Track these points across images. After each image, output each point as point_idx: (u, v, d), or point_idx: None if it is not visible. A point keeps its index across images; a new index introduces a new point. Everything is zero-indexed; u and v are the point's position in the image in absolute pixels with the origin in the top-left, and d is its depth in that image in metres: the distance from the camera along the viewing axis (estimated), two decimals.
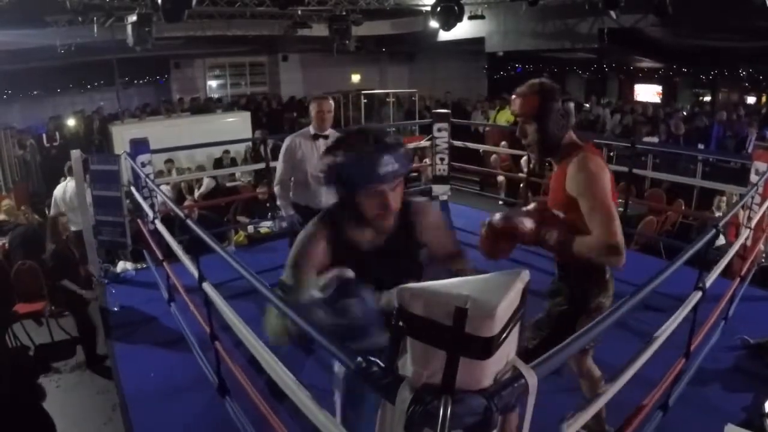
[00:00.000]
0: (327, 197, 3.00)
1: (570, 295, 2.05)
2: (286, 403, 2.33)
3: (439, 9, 8.60)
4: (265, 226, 5.92)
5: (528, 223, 1.88)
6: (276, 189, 3.67)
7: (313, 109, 3.59)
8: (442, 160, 6.55)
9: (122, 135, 8.41)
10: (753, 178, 4.25)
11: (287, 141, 3.63)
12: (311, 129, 3.62)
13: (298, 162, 3.56)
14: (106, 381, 4.00)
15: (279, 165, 3.63)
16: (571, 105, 1.97)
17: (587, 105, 12.19)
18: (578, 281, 2.03)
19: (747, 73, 12.14)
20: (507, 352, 1.15)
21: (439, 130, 6.50)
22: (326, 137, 3.54)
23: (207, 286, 2.34)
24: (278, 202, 3.69)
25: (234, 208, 6.62)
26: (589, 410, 1.57)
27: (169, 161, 8.31)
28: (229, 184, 8.10)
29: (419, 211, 1.74)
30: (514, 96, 2.00)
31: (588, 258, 1.87)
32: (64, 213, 5.08)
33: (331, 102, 3.63)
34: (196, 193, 7.46)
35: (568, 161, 1.93)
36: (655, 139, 8.58)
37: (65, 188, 6.14)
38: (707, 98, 13.01)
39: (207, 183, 7.58)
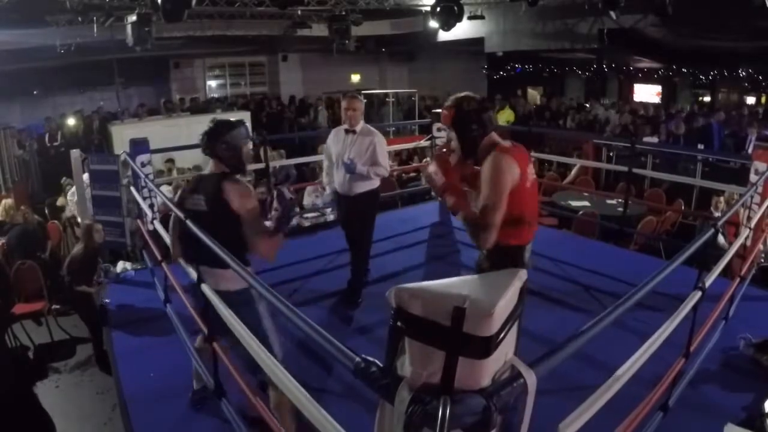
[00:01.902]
0: (345, 185, 3.77)
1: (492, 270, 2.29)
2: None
3: (438, 9, 8.60)
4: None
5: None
6: (323, 173, 4.31)
7: (342, 106, 3.93)
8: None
9: (122, 135, 8.41)
10: (752, 177, 4.26)
11: (331, 134, 4.10)
12: (345, 124, 3.93)
13: (332, 152, 3.98)
14: (106, 381, 4.00)
15: None
16: (489, 114, 2.33)
17: (587, 105, 12.19)
18: (499, 258, 2.28)
19: (747, 73, 12.13)
20: (505, 351, 1.15)
21: (439, 129, 6.49)
22: (355, 132, 3.86)
23: (205, 287, 2.34)
24: (324, 181, 4.33)
25: None
26: (589, 411, 1.57)
27: (169, 161, 8.31)
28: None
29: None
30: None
31: (475, 231, 2.22)
32: (95, 221, 5.06)
33: (360, 100, 3.93)
34: None
35: (485, 159, 2.25)
36: (655, 139, 8.59)
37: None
38: (707, 98, 13.01)
39: None
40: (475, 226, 2.20)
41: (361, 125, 3.89)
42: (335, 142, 3.97)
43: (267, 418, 2.09)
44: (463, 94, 2.35)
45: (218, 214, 2.43)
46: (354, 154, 3.78)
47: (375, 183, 3.93)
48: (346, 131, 3.90)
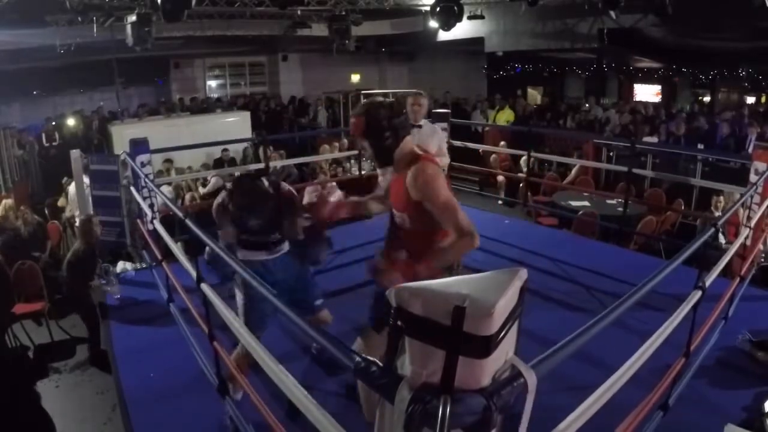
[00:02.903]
0: None
1: None
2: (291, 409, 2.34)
3: (438, 9, 8.60)
4: None
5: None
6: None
7: (407, 103, 4.15)
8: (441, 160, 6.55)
9: (122, 135, 8.41)
10: (752, 178, 4.26)
11: None
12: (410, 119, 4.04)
13: None
14: (106, 381, 4.00)
15: None
16: (401, 119, 2.25)
17: (587, 105, 12.18)
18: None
19: (747, 73, 12.12)
20: (506, 350, 1.15)
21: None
22: (420, 126, 4.08)
23: (205, 287, 2.34)
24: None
25: None
26: (589, 411, 1.57)
27: (167, 161, 8.27)
28: (228, 185, 8.07)
29: None
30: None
31: (456, 257, 2.12)
32: (94, 215, 5.03)
33: (425, 97, 4.20)
34: (202, 191, 7.48)
35: (407, 170, 2.16)
36: (655, 139, 8.58)
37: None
38: (707, 98, 13.00)
39: (214, 182, 7.62)
40: (461, 245, 2.04)
41: (424, 121, 4.14)
42: None
43: (268, 416, 2.09)
44: (370, 100, 2.31)
45: None
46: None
47: None
48: (411, 126, 4.06)
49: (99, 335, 4.42)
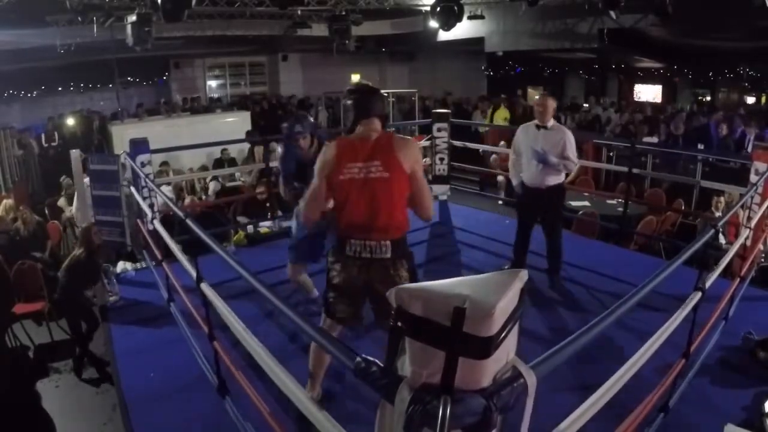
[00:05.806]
0: (537, 179, 4.09)
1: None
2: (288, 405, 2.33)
3: (438, 9, 8.60)
4: (265, 226, 5.92)
5: None
6: (510, 164, 4.45)
7: (534, 103, 4.31)
8: (441, 160, 6.55)
9: (122, 135, 8.38)
10: (753, 178, 4.26)
11: (519, 129, 4.35)
12: (536, 120, 4.17)
13: (522, 146, 4.21)
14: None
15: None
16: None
17: (586, 105, 12.18)
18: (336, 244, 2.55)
19: (747, 73, 12.13)
20: (506, 351, 1.15)
21: (439, 130, 6.50)
22: (546, 128, 4.07)
23: (205, 287, 2.34)
24: (510, 173, 4.44)
25: (233, 208, 6.63)
26: (589, 411, 1.57)
27: (164, 164, 8.07)
28: (228, 184, 8.10)
29: None
30: None
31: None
32: (94, 224, 5.00)
33: (552, 99, 4.18)
34: (204, 197, 7.50)
35: None
36: (655, 139, 8.58)
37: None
38: (707, 98, 13.01)
39: (213, 187, 7.63)
40: None
41: (552, 122, 4.10)
42: (525, 137, 4.19)
43: (269, 418, 2.09)
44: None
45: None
46: (546, 146, 3.99)
47: (561, 177, 4.17)
48: (537, 126, 4.12)
49: (89, 340, 4.41)
